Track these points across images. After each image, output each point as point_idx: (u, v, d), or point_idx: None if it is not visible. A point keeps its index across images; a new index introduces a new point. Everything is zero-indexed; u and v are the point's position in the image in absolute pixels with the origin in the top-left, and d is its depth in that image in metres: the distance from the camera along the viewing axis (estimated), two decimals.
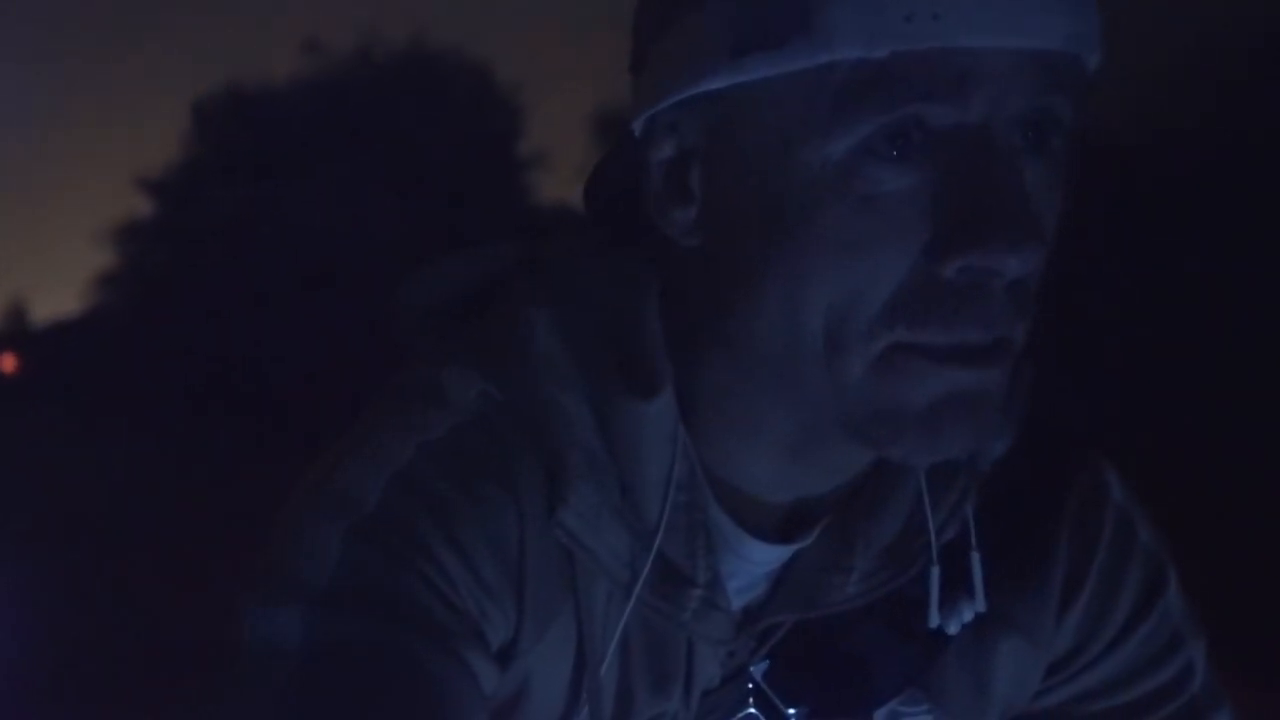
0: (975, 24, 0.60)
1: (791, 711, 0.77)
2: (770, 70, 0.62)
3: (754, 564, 0.75)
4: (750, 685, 0.77)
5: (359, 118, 16.02)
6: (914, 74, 0.60)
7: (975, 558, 0.75)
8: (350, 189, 15.38)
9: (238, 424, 12.54)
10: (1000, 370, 0.65)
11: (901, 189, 0.62)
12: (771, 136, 0.64)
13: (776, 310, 0.65)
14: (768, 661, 0.77)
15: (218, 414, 13.14)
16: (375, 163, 15.65)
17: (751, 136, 0.64)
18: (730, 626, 0.74)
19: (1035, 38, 0.61)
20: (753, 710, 0.77)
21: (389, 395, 0.74)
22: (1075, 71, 0.64)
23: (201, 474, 9.17)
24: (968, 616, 0.75)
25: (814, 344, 0.64)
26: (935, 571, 0.75)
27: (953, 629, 0.76)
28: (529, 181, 17.47)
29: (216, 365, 14.34)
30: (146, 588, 5.36)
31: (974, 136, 0.61)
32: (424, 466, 0.69)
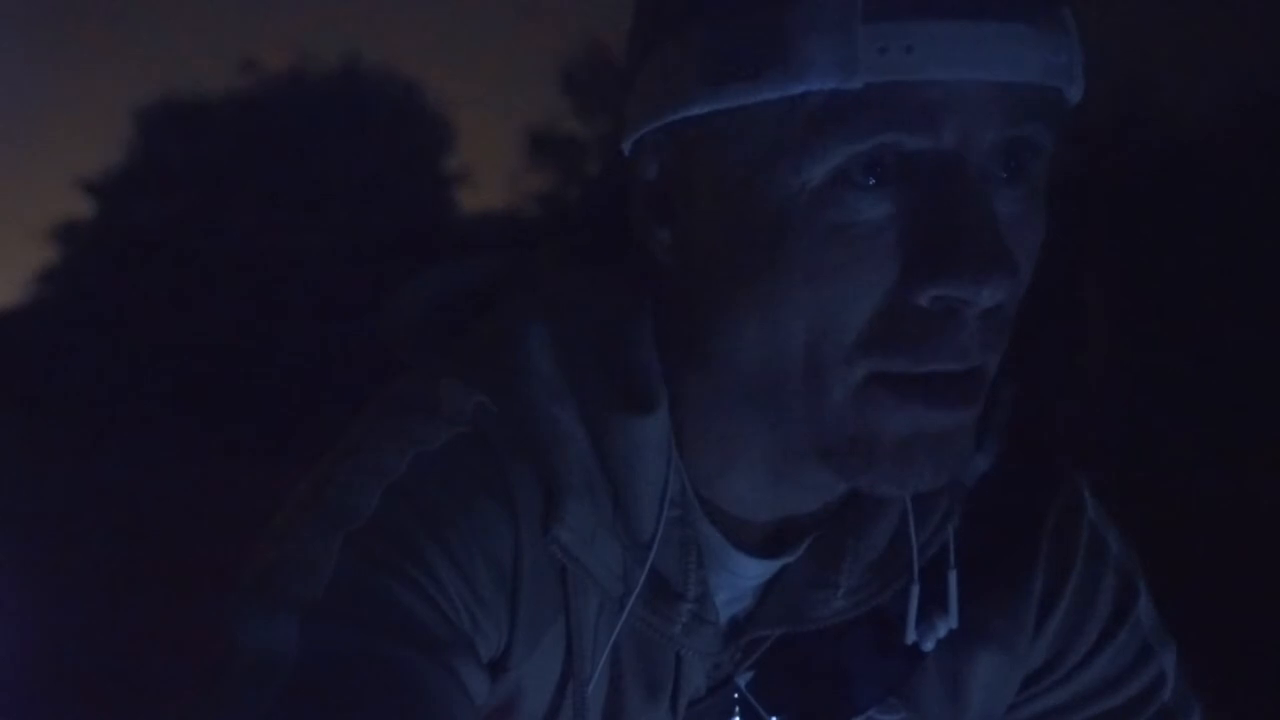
0: (948, 57, 0.59)
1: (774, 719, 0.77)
2: (745, 99, 0.62)
3: (742, 578, 0.75)
4: (735, 695, 0.77)
5: (291, 134, 16.62)
6: (886, 104, 0.59)
7: (952, 576, 0.75)
8: (281, 201, 16.03)
9: (176, 422, 12.69)
10: (971, 404, 0.64)
11: (875, 218, 0.61)
12: (747, 163, 0.63)
13: (753, 336, 0.65)
14: (752, 672, 0.77)
15: (153, 412, 13.29)
16: (306, 176, 16.29)
17: (728, 162, 0.64)
18: (719, 639, 0.74)
19: (1008, 70, 0.60)
20: (738, 719, 0.77)
21: (384, 406, 0.73)
22: (1053, 102, 0.63)
23: (143, 471, 9.13)
24: (942, 632, 0.76)
25: (793, 370, 0.64)
26: (915, 590, 0.75)
27: (928, 646, 0.76)
28: (453, 195, 18.17)
29: (149, 362, 14.87)
30: (140, 587, 5.30)
31: (947, 166, 0.61)
32: (420, 478, 0.68)
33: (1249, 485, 5.38)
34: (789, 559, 0.75)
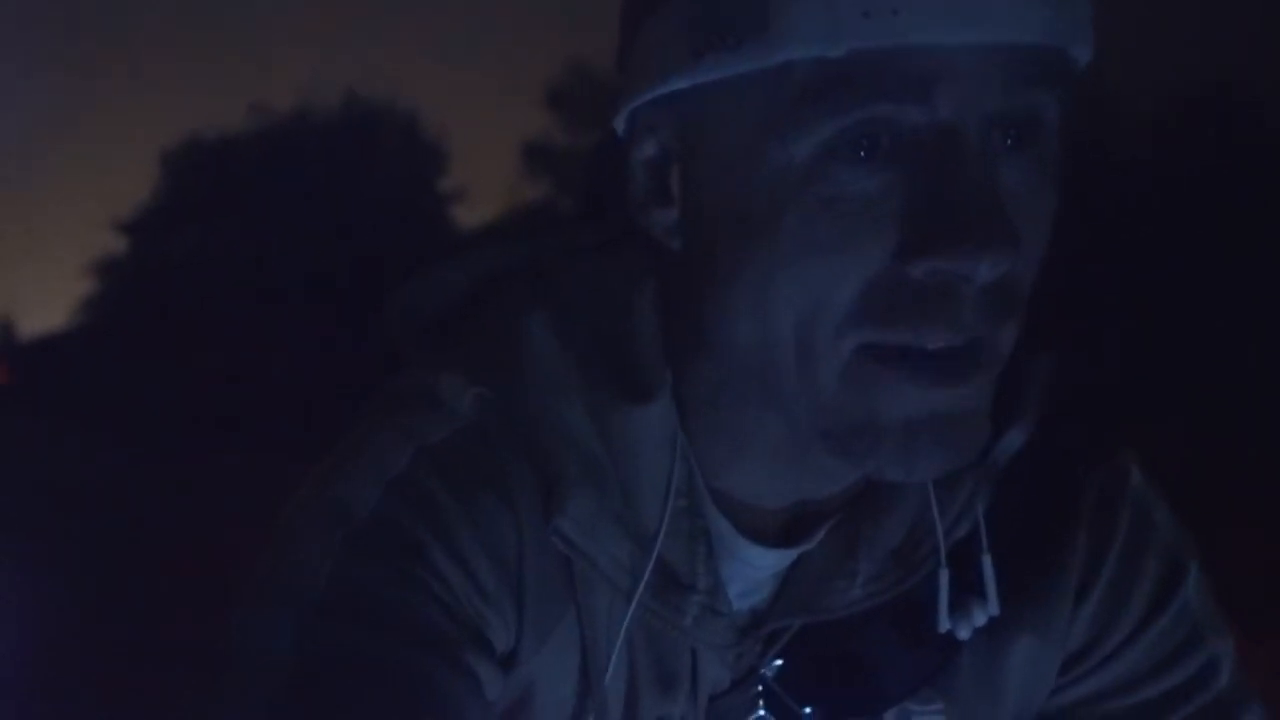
0: (938, 19, 0.55)
1: (807, 710, 0.74)
2: (728, 70, 0.59)
3: (755, 568, 0.72)
4: (760, 688, 0.74)
5: (301, 168, 18.04)
6: (874, 73, 0.56)
7: (987, 562, 0.71)
8: (295, 228, 17.38)
9: (213, 435, 13.04)
10: (977, 384, 0.61)
11: (867, 191, 0.58)
12: (736, 138, 0.61)
13: (748, 315, 0.62)
14: (779, 663, 0.74)
15: (194, 425, 13.75)
16: (317, 206, 17.68)
17: (719, 137, 0.62)
18: (732, 631, 0.72)
19: (1006, 31, 0.56)
20: (763, 713, 0.74)
21: (385, 402, 0.71)
22: (1059, 66, 0.60)
23: (182, 482, 9.16)
24: (980, 621, 0.72)
25: (785, 349, 0.62)
26: (944, 574, 0.71)
27: (964, 634, 0.72)
28: (451, 213, 19.44)
29: (188, 380, 16.05)
30: (136, 595, 5.28)
31: (943, 137, 0.57)
32: (421, 473, 0.66)
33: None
34: (804, 548, 0.72)
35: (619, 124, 0.68)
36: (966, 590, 0.72)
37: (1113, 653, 0.76)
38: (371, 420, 0.70)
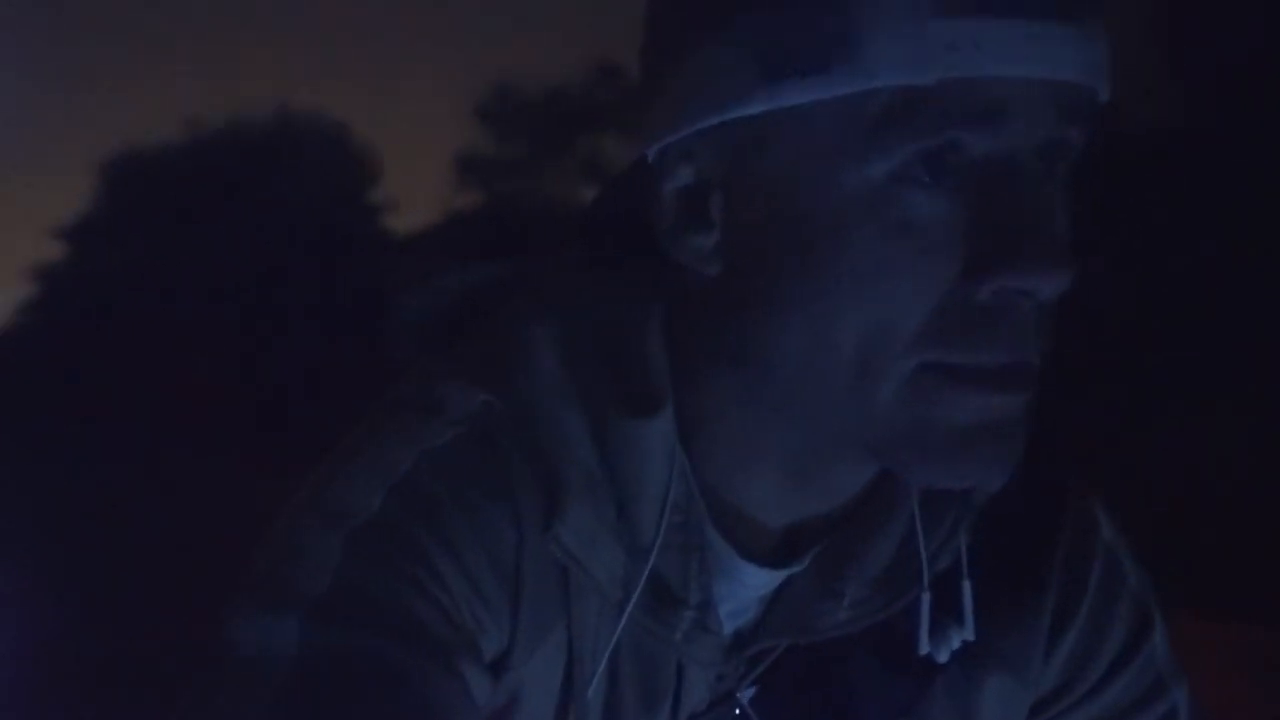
0: (1013, 55, 0.61)
1: None
2: (808, 96, 0.63)
3: (746, 587, 0.78)
4: (737, 711, 0.79)
5: (233, 178, 18.48)
6: (954, 102, 0.62)
7: (966, 586, 0.77)
8: (228, 238, 17.78)
9: (145, 435, 12.54)
10: (1025, 395, 0.66)
11: (936, 214, 0.63)
12: (804, 161, 0.65)
13: (804, 335, 0.66)
14: (755, 687, 0.80)
15: (129, 426, 13.20)
16: (250, 214, 18.10)
17: (782, 161, 0.66)
18: (720, 649, 0.77)
19: (1062, 70, 0.63)
20: None
21: (388, 406, 0.75)
22: (1090, 103, 0.66)
23: (120, 482, 9.13)
24: (956, 644, 0.78)
25: (845, 369, 0.65)
26: (926, 597, 0.76)
27: (942, 657, 0.77)
28: (381, 223, 19.94)
29: (124, 383, 16.41)
30: (141, 587, 5.41)
31: (1006, 163, 0.63)
32: (423, 477, 0.70)
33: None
34: (795, 569, 0.76)
35: (651, 152, 0.68)
36: (946, 618, 0.74)
37: (1082, 697, 0.79)
38: (374, 424, 0.71)
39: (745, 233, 0.67)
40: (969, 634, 0.75)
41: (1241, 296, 7.19)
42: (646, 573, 0.71)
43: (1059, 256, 0.62)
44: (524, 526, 0.71)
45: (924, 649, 0.75)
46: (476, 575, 0.69)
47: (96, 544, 6.47)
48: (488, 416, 0.72)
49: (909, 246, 0.62)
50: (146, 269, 17.57)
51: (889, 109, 0.61)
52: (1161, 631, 0.83)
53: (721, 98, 0.65)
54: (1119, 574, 0.83)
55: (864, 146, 0.62)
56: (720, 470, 0.73)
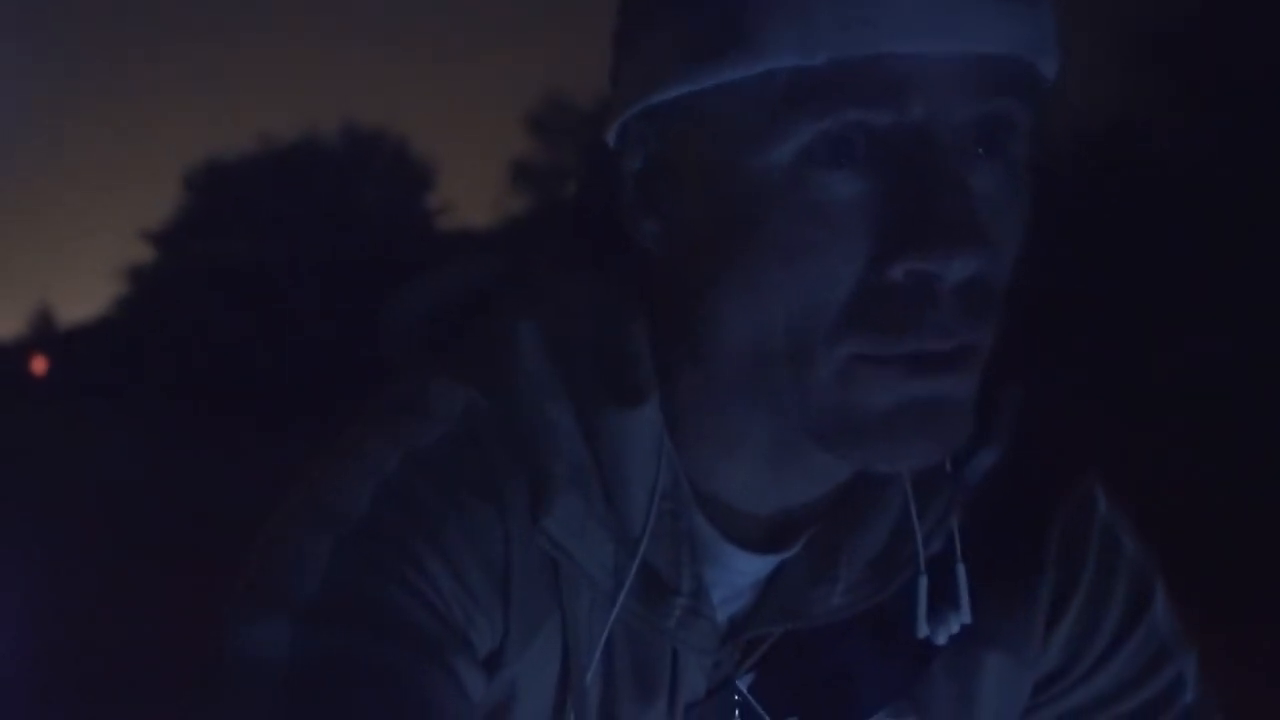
0: (912, 30, 0.57)
1: None
2: (712, 80, 0.60)
3: (738, 574, 0.72)
4: (736, 697, 0.73)
5: (304, 187, 20.05)
6: (851, 81, 0.57)
7: (960, 569, 0.71)
8: (302, 239, 19.34)
9: (223, 422, 14.00)
10: (962, 375, 0.61)
11: (847, 195, 0.59)
12: (718, 147, 0.61)
13: (736, 321, 0.62)
14: (753, 674, 0.73)
15: (208, 414, 15.00)
16: (318, 220, 19.67)
17: (703, 147, 0.62)
18: (715, 636, 0.71)
19: (976, 42, 0.58)
20: None
21: (375, 407, 0.70)
22: (1028, 76, 0.61)
23: (204, 467, 9.28)
24: (954, 628, 0.72)
25: (776, 354, 0.61)
26: (923, 581, 0.71)
27: (940, 639, 0.72)
28: (437, 224, 21.34)
29: (205, 373, 17.82)
30: (166, 584, 5.19)
31: (916, 141, 0.58)
32: (410, 477, 0.66)
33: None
34: (786, 555, 0.71)
35: (610, 137, 0.67)
36: (941, 601, 0.72)
37: (1086, 674, 0.75)
38: (362, 426, 0.69)
39: (685, 216, 0.64)
40: (965, 617, 0.72)
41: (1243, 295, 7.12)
42: (637, 562, 0.68)
43: (966, 237, 0.57)
44: (512, 522, 0.67)
45: (922, 632, 0.72)
46: (466, 573, 0.65)
47: (125, 522, 6.77)
48: (474, 414, 0.68)
49: (821, 228, 0.59)
50: (226, 269, 19.05)
51: (787, 92, 0.58)
52: (1162, 602, 0.77)
53: (647, 84, 0.63)
54: (1116, 549, 0.77)
55: (769, 129, 0.59)
56: (704, 458, 0.69)
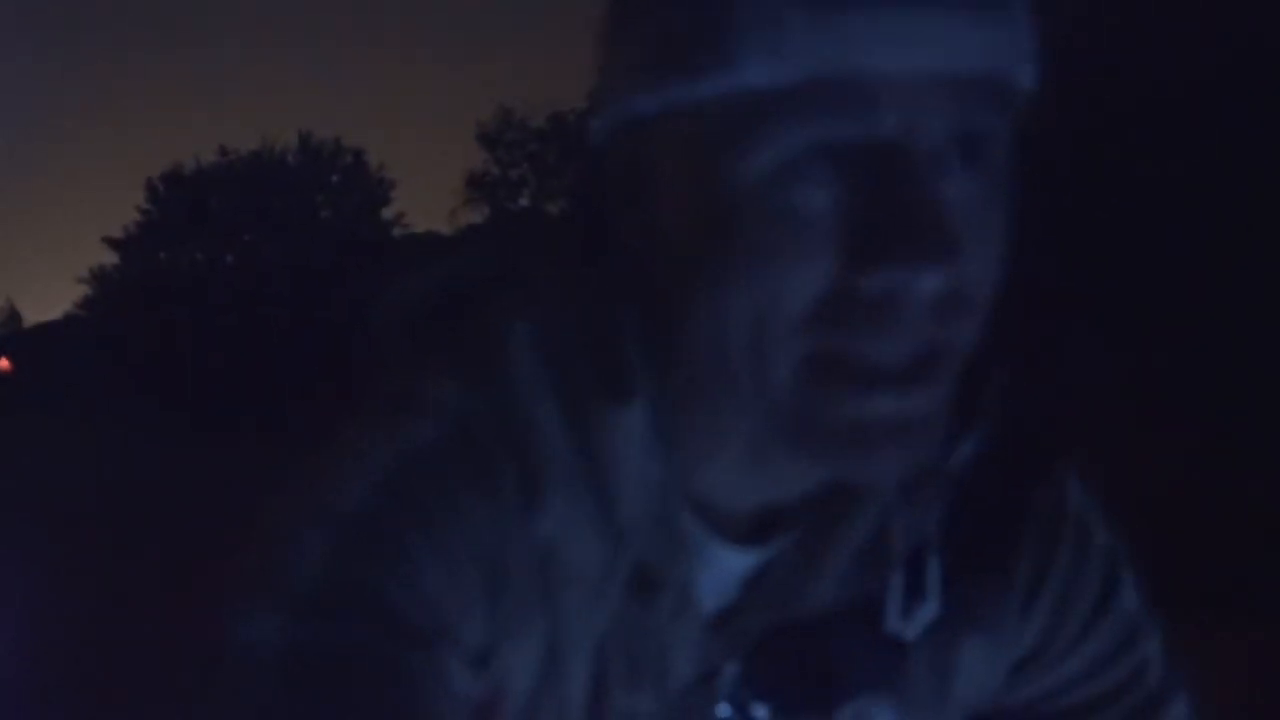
0: (885, 45, 0.57)
1: (768, 706, 0.74)
2: (689, 95, 0.61)
3: (725, 569, 0.72)
4: (723, 686, 0.74)
5: (262, 196, 20.71)
6: (822, 95, 0.58)
7: (932, 564, 0.73)
8: (258, 249, 20.04)
9: (188, 425, 14.32)
10: (929, 390, 0.61)
11: (818, 206, 0.59)
12: (695, 154, 0.62)
13: (705, 322, 0.63)
14: (739, 663, 0.74)
15: (173, 416, 15.43)
16: (277, 227, 20.33)
17: (679, 153, 0.63)
18: (702, 629, 0.72)
19: (949, 58, 0.58)
20: (726, 708, 0.75)
21: (370, 403, 0.70)
22: (1004, 88, 0.61)
23: (168, 469, 9.35)
24: (924, 620, 0.73)
25: (740, 351, 0.62)
26: (897, 578, 0.72)
27: (910, 635, 0.73)
28: (391, 234, 22.04)
29: (167, 374, 18.44)
30: (138, 584, 5.16)
31: (887, 155, 0.58)
32: (407, 475, 0.66)
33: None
34: (772, 550, 0.72)
35: (595, 139, 0.69)
36: (919, 592, 0.73)
37: (1059, 656, 0.77)
38: (358, 421, 0.69)
39: (662, 218, 0.64)
40: (932, 611, 0.72)
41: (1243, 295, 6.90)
42: (626, 558, 0.68)
43: (934, 250, 0.57)
44: (505, 520, 0.66)
45: (891, 626, 0.72)
46: (460, 570, 0.65)
47: (99, 528, 6.64)
48: (468, 413, 0.67)
49: (790, 237, 0.59)
50: (185, 274, 19.64)
51: (760, 104, 0.58)
52: (1130, 586, 0.77)
53: (624, 93, 0.64)
54: (1088, 536, 0.76)
55: (744, 139, 0.59)
56: (689, 456, 0.69)
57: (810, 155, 0.59)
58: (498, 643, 0.68)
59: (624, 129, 0.66)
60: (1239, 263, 7.33)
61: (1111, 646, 0.77)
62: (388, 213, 21.95)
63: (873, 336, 0.59)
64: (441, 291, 0.75)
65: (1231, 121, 8.07)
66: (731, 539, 0.71)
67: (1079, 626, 0.77)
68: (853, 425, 0.60)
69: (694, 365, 0.66)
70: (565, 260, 0.75)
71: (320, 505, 0.65)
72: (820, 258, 0.59)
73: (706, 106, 0.61)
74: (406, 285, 0.75)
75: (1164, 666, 0.78)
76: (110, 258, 22.18)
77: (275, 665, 0.60)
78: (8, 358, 21.37)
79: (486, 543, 0.67)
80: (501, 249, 0.76)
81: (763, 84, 0.58)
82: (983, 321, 0.62)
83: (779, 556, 0.72)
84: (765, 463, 0.68)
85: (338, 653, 0.61)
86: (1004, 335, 0.68)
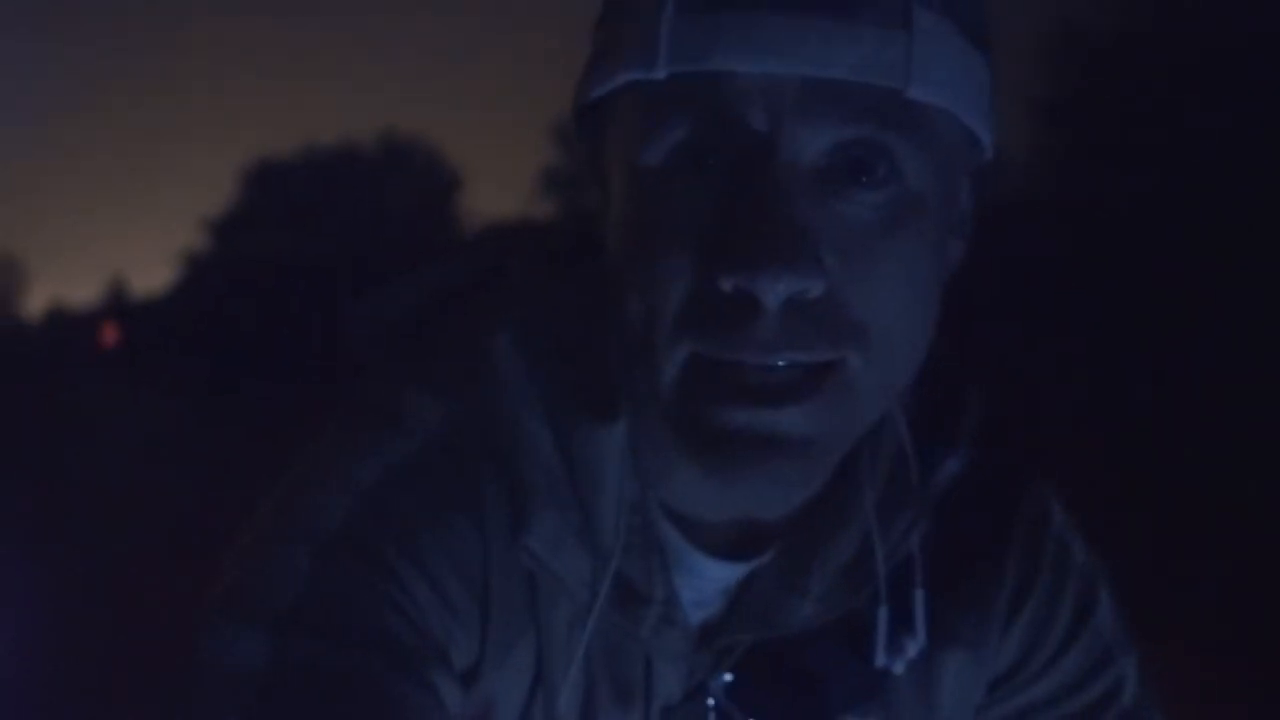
0: (748, 49, 0.57)
1: None
2: (593, 93, 0.62)
3: (708, 581, 0.72)
4: (710, 702, 0.73)
5: (348, 186, 21.90)
6: (691, 95, 0.58)
7: (918, 596, 0.72)
8: (343, 231, 21.17)
9: (275, 397, 13.77)
10: (810, 411, 0.59)
11: (687, 204, 0.59)
12: (609, 148, 0.64)
13: (617, 320, 0.63)
14: (727, 678, 0.74)
15: (267, 386, 15.69)
16: (361, 214, 21.49)
17: (606, 148, 0.64)
18: (687, 642, 0.71)
19: (817, 65, 0.57)
20: None
21: (351, 415, 0.69)
22: (893, 103, 0.59)
23: (262, 434, 8.36)
24: (911, 653, 0.73)
25: (636, 353, 0.62)
26: (883, 612, 0.71)
27: (898, 668, 0.73)
28: (464, 226, 23.10)
29: (260, 350, 19.55)
30: (175, 577, 4.31)
31: (757, 157, 0.58)
32: (390, 489, 0.65)
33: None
34: (754, 564, 0.71)
35: (582, 139, 0.68)
36: (906, 616, 0.72)
37: (1037, 673, 0.77)
38: (338, 435, 0.68)
39: (607, 213, 0.64)
40: (920, 644, 0.71)
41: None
42: (611, 573, 0.66)
43: (787, 256, 0.56)
44: (491, 536, 0.65)
45: (881, 662, 0.71)
46: (445, 587, 0.64)
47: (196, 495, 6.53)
48: (453, 426, 0.66)
49: (661, 234, 0.59)
50: (275, 258, 20.80)
51: (647, 102, 0.59)
52: (1107, 605, 0.77)
53: (580, 87, 0.65)
54: (1068, 555, 0.76)
55: (631, 137, 0.60)
56: (655, 466, 0.68)
57: (684, 153, 0.59)
58: (486, 660, 0.67)
59: (591, 131, 0.66)
60: (1209, 285, 7.33)
61: (1086, 667, 0.77)
62: (461, 205, 23.04)
63: (737, 342, 0.58)
64: (423, 299, 0.73)
65: (1199, 140, 8.14)
66: (712, 552, 0.70)
67: (1057, 645, 0.77)
68: (720, 434, 0.60)
69: (629, 369, 0.65)
70: (549, 264, 0.73)
71: (303, 520, 0.63)
72: (685, 257, 0.59)
73: (617, 106, 0.62)
74: (386, 293, 0.74)
75: (1138, 685, 0.77)
76: (203, 241, 23.44)
77: (257, 682, 0.59)
78: (113, 329, 22.23)
79: (474, 559, 0.65)
80: (482, 255, 0.75)
81: (646, 82, 0.59)
82: (894, 355, 0.61)
83: (761, 570, 0.71)
84: (701, 479, 0.66)
85: (324, 672, 0.59)
86: (980, 357, 0.63)
